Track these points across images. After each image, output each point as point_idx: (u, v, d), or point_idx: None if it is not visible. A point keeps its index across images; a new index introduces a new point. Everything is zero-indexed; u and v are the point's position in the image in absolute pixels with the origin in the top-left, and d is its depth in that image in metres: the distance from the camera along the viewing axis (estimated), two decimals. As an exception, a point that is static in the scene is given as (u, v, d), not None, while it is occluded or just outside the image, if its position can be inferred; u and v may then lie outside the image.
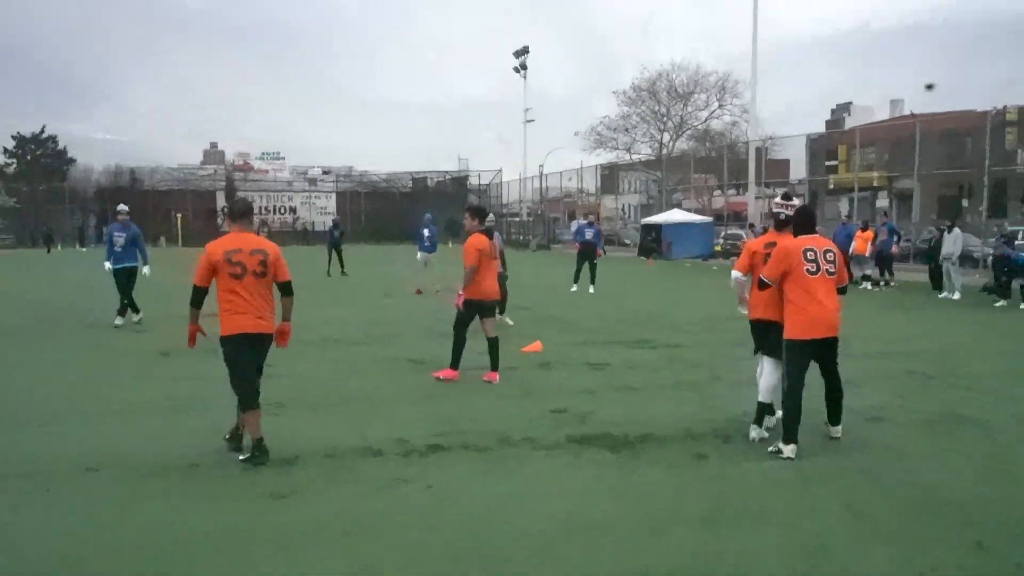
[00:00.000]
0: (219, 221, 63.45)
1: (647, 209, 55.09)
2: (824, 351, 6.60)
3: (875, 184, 46.56)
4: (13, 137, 70.91)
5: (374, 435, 7.05)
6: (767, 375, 6.90)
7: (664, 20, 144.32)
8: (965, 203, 42.22)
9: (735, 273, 7.18)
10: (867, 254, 21.95)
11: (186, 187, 68.62)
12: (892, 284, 22.35)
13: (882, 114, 62.44)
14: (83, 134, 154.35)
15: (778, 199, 7.61)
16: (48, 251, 48.71)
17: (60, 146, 72.44)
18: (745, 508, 5.30)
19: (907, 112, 55.44)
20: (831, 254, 6.54)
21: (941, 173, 40.85)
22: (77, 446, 6.77)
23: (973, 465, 6.26)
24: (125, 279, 13.99)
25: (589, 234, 21.43)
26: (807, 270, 6.35)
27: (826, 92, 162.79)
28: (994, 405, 8.26)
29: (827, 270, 6.43)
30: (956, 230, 20.23)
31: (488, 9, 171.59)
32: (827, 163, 53.44)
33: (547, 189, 62.16)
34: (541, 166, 67.45)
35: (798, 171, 54.07)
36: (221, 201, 65.59)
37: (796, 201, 7.45)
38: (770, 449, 6.49)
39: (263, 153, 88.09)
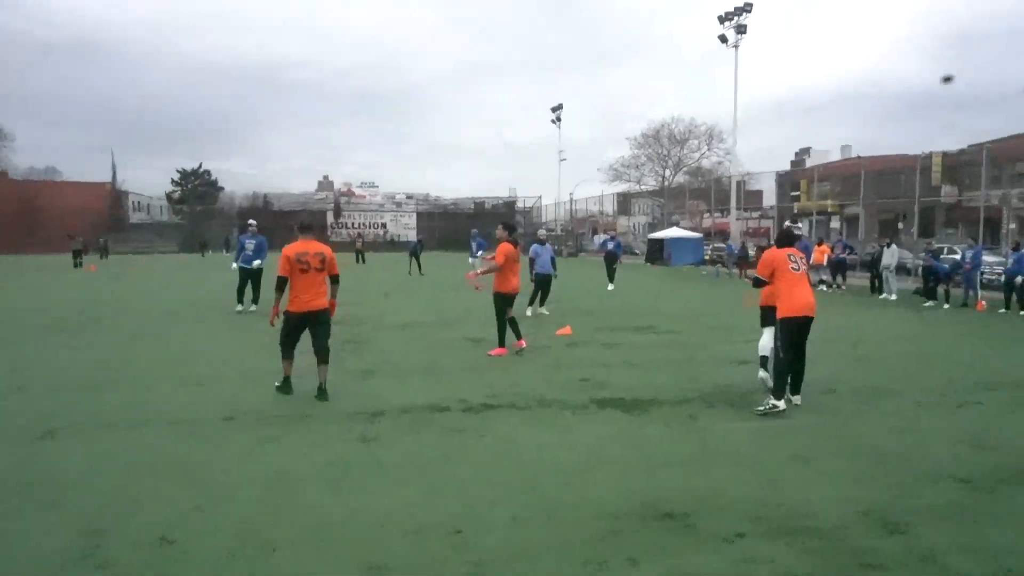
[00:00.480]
0: (328, 234, 64.46)
1: (652, 227, 54.59)
2: (804, 328, 6.65)
3: (829, 210, 46.04)
4: (178, 171, 72.38)
5: (440, 395, 7.06)
6: (765, 338, 7.19)
7: (666, 85, 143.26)
8: (900, 225, 41.63)
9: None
10: (824, 263, 21.63)
11: (305, 208, 69.36)
12: (843, 287, 21.97)
13: (835, 156, 61.38)
14: (229, 169, 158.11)
15: (797, 224, 8.05)
16: (202, 255, 49.70)
17: (212, 177, 73.65)
18: (721, 454, 5.28)
19: (854, 155, 54.53)
20: (802, 258, 6.86)
21: (881, 202, 40.55)
22: (219, 401, 6.88)
23: (898, 425, 6.13)
24: (255, 276, 14.11)
25: (611, 245, 21.70)
26: (791, 268, 6.62)
27: (791, 139, 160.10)
28: (915, 380, 8.07)
29: (803, 267, 6.76)
30: (893, 246, 20.15)
31: (532, 78, 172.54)
32: (792, 193, 52.95)
33: (576, 211, 61.95)
34: (571, 193, 67.79)
35: (769, 199, 53.38)
36: (331, 218, 66.38)
37: (802, 227, 7.91)
38: (760, 409, 6.44)
39: (362, 183, 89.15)
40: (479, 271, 9.95)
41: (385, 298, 17.89)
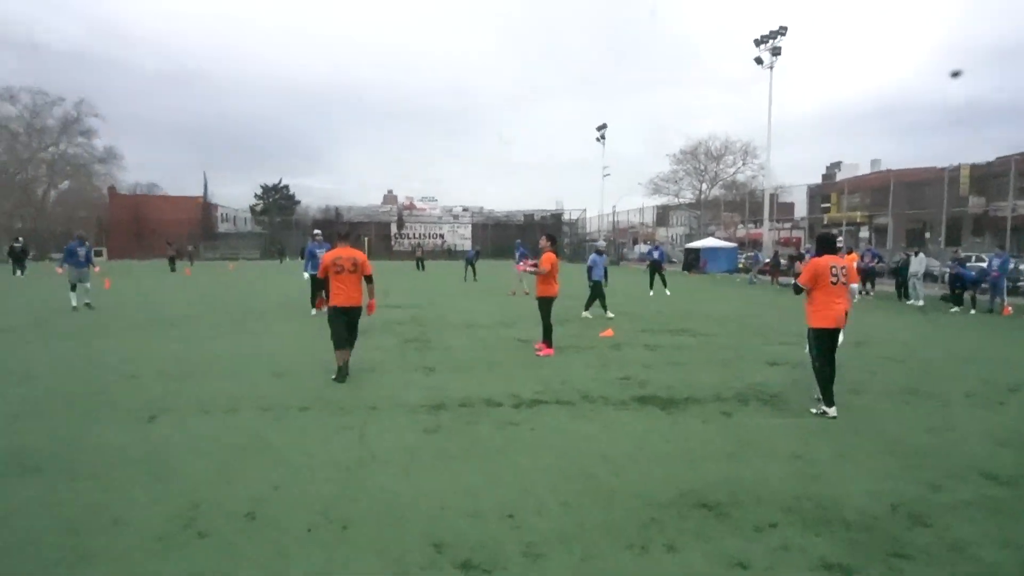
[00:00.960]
0: (392, 242, 65.33)
1: (689, 237, 53.86)
2: (834, 338, 6.38)
3: (858, 220, 44.86)
4: (261, 186, 74.38)
5: (494, 391, 7.11)
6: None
7: (709, 102, 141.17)
8: (927, 235, 40.27)
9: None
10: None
11: (371, 220, 70.38)
12: (871, 294, 21.32)
13: (864, 169, 59.66)
14: (305, 184, 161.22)
15: (840, 237, 7.72)
16: (280, 262, 50.88)
17: (291, 192, 75.45)
18: (758, 450, 5.16)
19: (883, 168, 52.97)
20: (844, 268, 6.40)
21: (909, 213, 39.22)
22: (299, 391, 7.05)
23: (927, 425, 5.93)
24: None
25: (656, 254, 21.49)
26: (831, 281, 6.26)
27: (822, 153, 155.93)
28: (944, 382, 7.78)
29: (842, 281, 6.33)
30: (921, 254, 19.49)
31: (583, 97, 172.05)
32: (823, 205, 51.73)
33: (618, 222, 61.45)
34: (614, 206, 67.33)
35: (800, 211, 52.22)
36: (394, 229, 67.23)
37: (841, 238, 7.52)
38: (813, 411, 6.27)
39: (423, 197, 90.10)
40: (528, 269, 10.19)
41: (444, 301, 18.07)
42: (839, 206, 47.47)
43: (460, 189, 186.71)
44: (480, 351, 9.75)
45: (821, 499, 4.13)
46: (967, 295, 17.21)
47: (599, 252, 14.58)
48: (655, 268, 21.19)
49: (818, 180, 60.90)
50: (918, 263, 18.94)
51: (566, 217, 69.26)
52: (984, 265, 19.36)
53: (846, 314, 6.50)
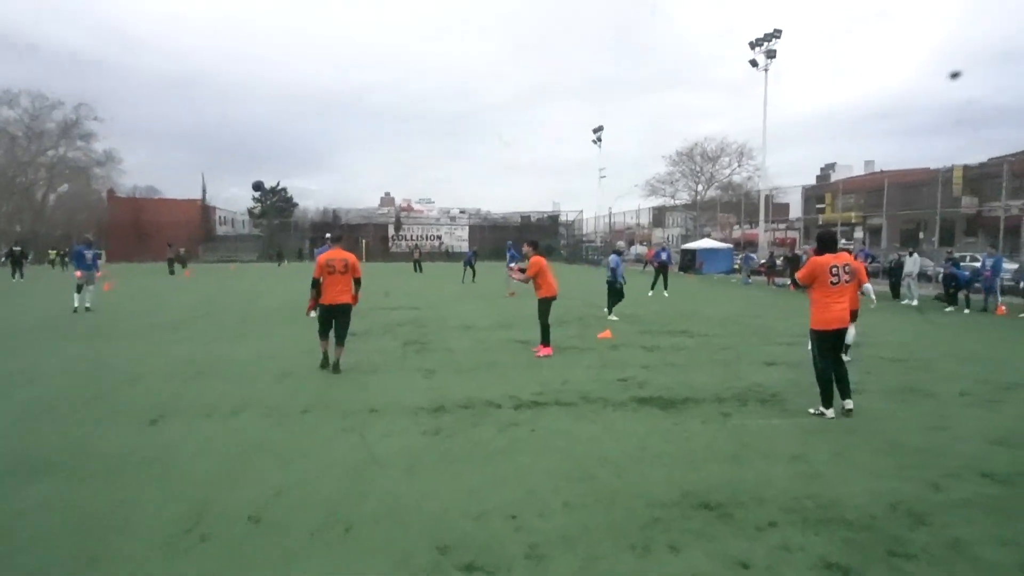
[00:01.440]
0: (389, 244, 65.25)
1: (685, 238, 53.91)
2: (839, 339, 6.27)
3: (853, 221, 44.98)
4: (257, 187, 74.21)
5: (495, 392, 7.12)
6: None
7: (707, 104, 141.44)
8: (921, 235, 40.43)
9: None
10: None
11: (369, 222, 70.38)
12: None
13: (859, 171, 59.84)
14: (303, 186, 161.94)
15: (842, 240, 7.55)
16: (279, 264, 50.71)
17: (288, 194, 75.31)
18: (758, 450, 5.17)
19: (877, 169, 53.17)
20: (848, 267, 6.26)
21: (903, 213, 39.41)
22: (300, 394, 7.05)
23: (925, 424, 5.95)
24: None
25: (664, 256, 21.50)
26: (831, 281, 6.12)
27: (818, 154, 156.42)
28: (940, 381, 7.82)
29: (844, 280, 6.19)
30: (915, 255, 19.65)
31: (584, 99, 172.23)
32: (817, 206, 51.85)
33: (614, 223, 61.48)
34: (610, 207, 67.54)
35: (795, 212, 52.30)
36: (392, 231, 67.22)
37: (843, 241, 7.33)
38: (811, 411, 6.25)
39: (420, 199, 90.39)
40: (516, 277, 10.20)
41: (443, 303, 18.07)
42: (834, 207, 47.58)
43: (458, 191, 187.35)
44: (480, 353, 9.76)
45: (821, 499, 4.14)
46: (961, 295, 17.27)
47: (619, 253, 14.67)
48: (662, 269, 21.24)
49: (813, 181, 60.99)
50: (912, 263, 19.02)
51: (563, 218, 69.36)
52: (978, 265, 19.44)
53: (854, 314, 6.38)
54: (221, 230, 69.63)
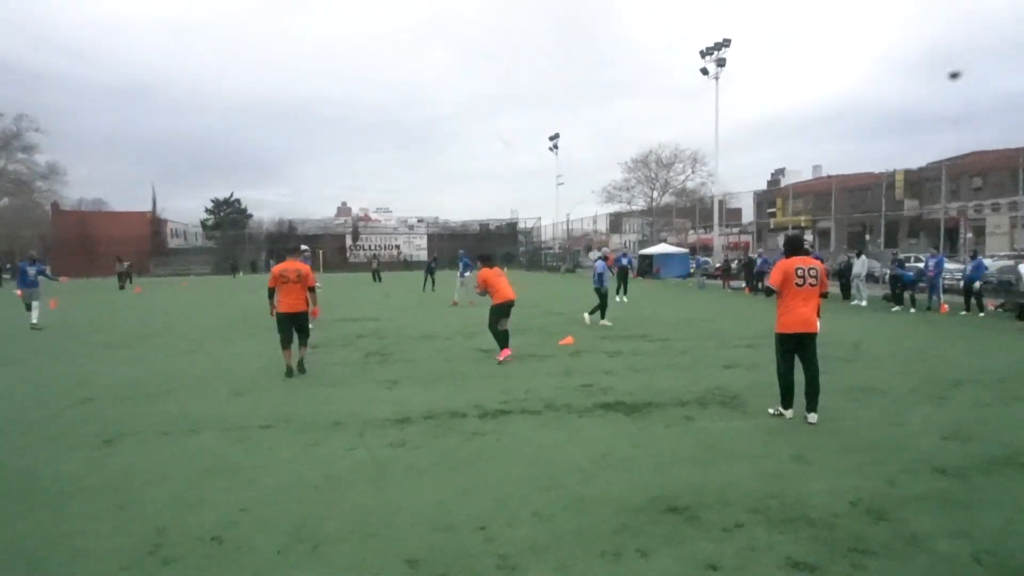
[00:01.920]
0: (347, 254, 64.49)
1: (643, 243, 54.65)
2: (802, 344, 6.17)
3: (803, 224, 46.20)
4: (212, 200, 72.81)
5: (459, 402, 7.07)
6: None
7: (662, 111, 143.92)
8: (868, 237, 41.72)
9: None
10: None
11: (326, 232, 69.51)
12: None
13: (807, 175, 61.54)
14: (257, 197, 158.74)
15: (795, 230, 7.56)
16: (233, 276, 49.75)
17: (243, 205, 73.90)
18: (721, 452, 5.24)
19: (825, 174, 54.75)
20: (814, 270, 6.18)
21: (850, 216, 40.58)
22: (261, 409, 6.87)
23: (879, 421, 6.13)
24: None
25: (624, 261, 21.85)
26: (796, 283, 6.09)
27: (767, 160, 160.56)
28: (891, 378, 8.07)
29: (810, 283, 6.14)
30: (863, 256, 20.22)
31: (541, 107, 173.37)
32: (768, 210, 53.15)
33: (572, 230, 61.97)
34: (568, 214, 68.25)
35: (748, 216, 53.53)
36: (349, 241, 66.47)
37: (808, 238, 7.35)
38: (771, 411, 6.37)
39: (377, 208, 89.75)
40: (477, 291, 10.22)
41: (403, 313, 17.91)
42: (784, 211, 48.85)
43: (415, 200, 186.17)
44: (442, 363, 9.69)
45: (785, 498, 4.22)
46: (907, 295, 17.89)
47: (604, 258, 14.82)
48: (624, 274, 21.47)
49: (764, 186, 62.52)
50: (860, 265, 19.60)
51: (521, 226, 69.63)
52: (922, 266, 20.17)
53: (818, 314, 6.39)
54: (173, 243, 67.79)
